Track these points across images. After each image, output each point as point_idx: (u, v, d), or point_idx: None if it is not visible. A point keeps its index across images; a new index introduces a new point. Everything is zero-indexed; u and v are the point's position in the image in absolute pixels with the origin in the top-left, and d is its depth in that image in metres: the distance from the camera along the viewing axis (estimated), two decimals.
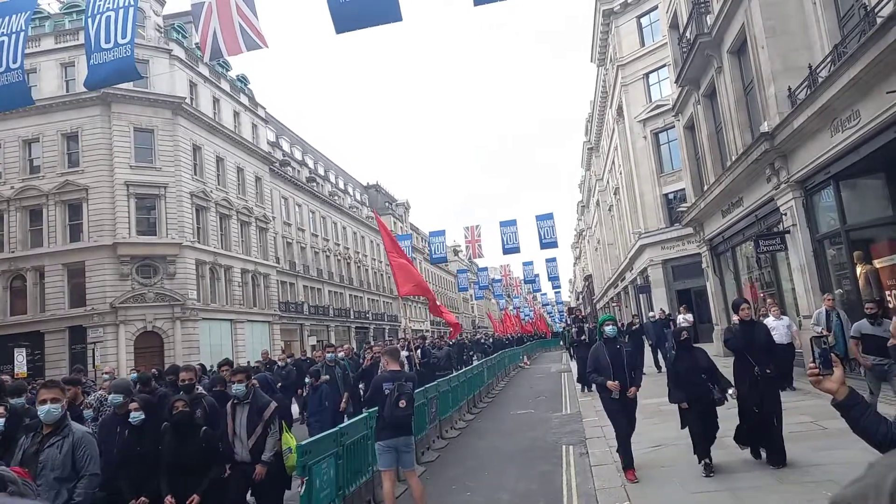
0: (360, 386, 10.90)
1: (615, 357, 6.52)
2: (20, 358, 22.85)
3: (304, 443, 5.54)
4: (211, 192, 32.62)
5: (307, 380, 9.02)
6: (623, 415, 6.61)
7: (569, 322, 38.52)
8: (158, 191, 29.27)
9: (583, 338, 15.15)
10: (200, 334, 29.81)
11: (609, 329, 6.72)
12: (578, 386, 15.05)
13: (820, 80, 10.11)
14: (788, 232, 12.26)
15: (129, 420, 5.39)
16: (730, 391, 6.25)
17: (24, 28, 11.98)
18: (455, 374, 13.57)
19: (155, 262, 28.87)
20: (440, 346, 16.81)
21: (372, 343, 13.94)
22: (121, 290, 27.73)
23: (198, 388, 6.51)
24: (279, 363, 14.52)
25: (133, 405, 5.51)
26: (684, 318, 16.96)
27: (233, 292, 33.83)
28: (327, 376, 9.67)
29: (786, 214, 12.40)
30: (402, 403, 5.89)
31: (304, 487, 5.32)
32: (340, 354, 13.27)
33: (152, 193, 29.25)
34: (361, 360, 13.05)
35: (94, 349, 26.22)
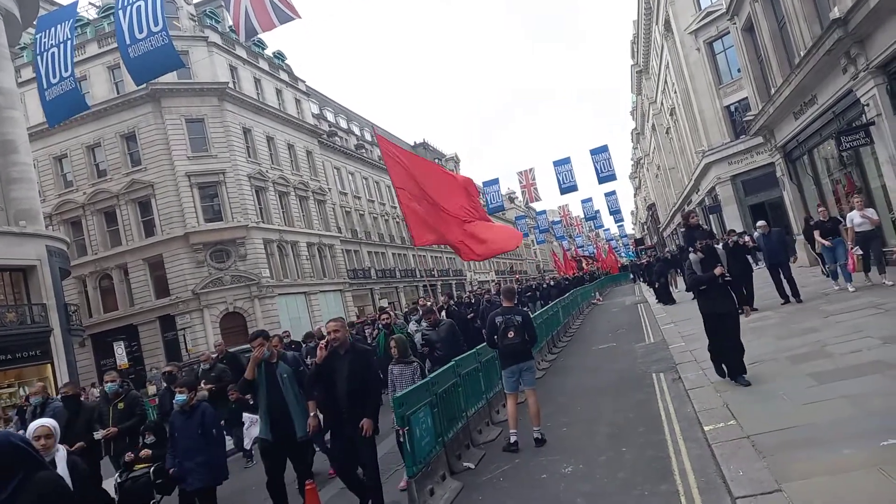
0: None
1: None
2: (120, 350, 24.52)
3: (399, 394, 5.60)
4: (266, 171, 33.31)
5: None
6: None
7: (672, 248, 32.73)
8: (218, 177, 30.12)
9: (724, 275, 6.71)
10: (279, 309, 30.98)
11: None
12: (708, 366, 7.54)
13: None
14: (873, 123, 11.36)
15: None
16: None
17: (70, 37, 12.26)
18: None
19: (226, 247, 29.96)
20: (435, 321, 9.09)
21: (320, 328, 7.94)
22: (199, 276, 29.02)
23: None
24: (203, 364, 9.76)
25: None
26: (863, 217, 10.38)
27: (302, 266, 34.81)
28: (204, 391, 7.27)
29: (868, 105, 11.47)
30: (511, 334, 6.55)
31: (405, 437, 5.43)
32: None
33: (212, 181, 30.14)
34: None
35: (184, 335, 27.73)
